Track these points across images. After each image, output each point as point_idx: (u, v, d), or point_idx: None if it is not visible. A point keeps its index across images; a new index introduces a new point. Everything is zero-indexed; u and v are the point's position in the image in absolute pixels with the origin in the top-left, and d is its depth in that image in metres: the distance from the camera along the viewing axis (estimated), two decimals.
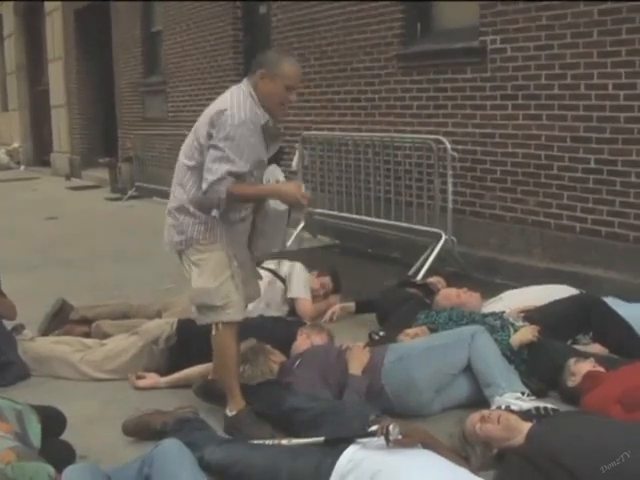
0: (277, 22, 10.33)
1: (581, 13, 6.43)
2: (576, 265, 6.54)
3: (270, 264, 6.24)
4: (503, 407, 3.89)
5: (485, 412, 3.65)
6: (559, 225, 6.78)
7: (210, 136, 3.97)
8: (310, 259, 7.28)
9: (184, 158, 4.15)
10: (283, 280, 6.11)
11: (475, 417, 3.62)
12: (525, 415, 3.73)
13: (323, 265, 6.79)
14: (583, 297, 5.05)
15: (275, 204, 4.17)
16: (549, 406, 3.93)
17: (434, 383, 4.22)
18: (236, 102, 3.98)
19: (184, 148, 4.20)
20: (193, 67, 12.89)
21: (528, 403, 3.96)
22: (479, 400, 4.17)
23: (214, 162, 3.93)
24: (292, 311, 6.09)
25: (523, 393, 4.09)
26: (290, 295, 6.06)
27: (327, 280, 6.29)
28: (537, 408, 3.87)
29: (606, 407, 3.77)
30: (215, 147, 3.94)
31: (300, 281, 6.11)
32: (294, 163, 9.20)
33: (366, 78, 8.73)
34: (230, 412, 4.14)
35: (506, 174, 7.19)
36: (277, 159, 4.46)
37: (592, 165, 6.47)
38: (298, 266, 6.23)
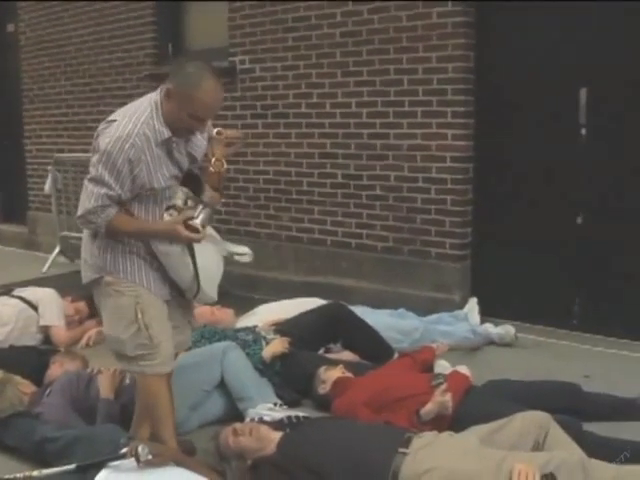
0: (26, 40, 9.95)
1: (324, 35, 6.70)
2: (329, 277, 6.78)
3: (21, 292, 6.01)
4: (256, 419, 3.95)
5: (237, 425, 3.70)
6: (311, 239, 6.99)
7: (94, 146, 3.38)
8: (67, 284, 7.03)
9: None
10: (35, 307, 5.88)
11: (228, 431, 3.66)
12: (277, 424, 3.81)
13: (80, 290, 6.58)
14: (330, 307, 5.21)
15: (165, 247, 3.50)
16: (300, 414, 4.04)
17: (188, 400, 4.20)
18: (131, 112, 3.34)
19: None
20: None
21: (280, 413, 4.04)
22: (235, 415, 4.22)
23: (89, 182, 3.34)
24: (47, 339, 5.87)
25: (275, 404, 4.18)
26: (43, 323, 5.85)
27: (82, 305, 6.13)
28: (289, 417, 3.96)
29: (354, 410, 3.93)
30: (93, 164, 3.32)
31: (53, 308, 5.92)
32: (47, 187, 8.91)
33: (119, 98, 8.56)
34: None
35: (259, 191, 7.32)
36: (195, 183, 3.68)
37: (339, 180, 6.73)
38: (49, 292, 6.04)
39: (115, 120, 3.33)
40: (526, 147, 5.90)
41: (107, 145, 3.25)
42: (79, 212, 3.37)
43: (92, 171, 3.32)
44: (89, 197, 3.32)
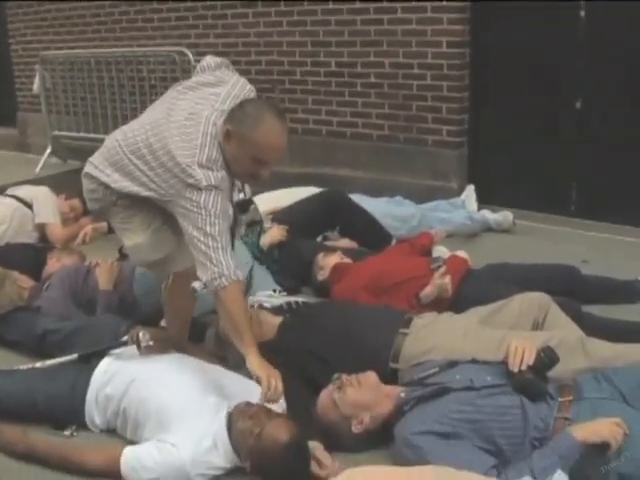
0: None
1: None
2: (324, 167, 6.72)
3: (14, 190, 5.97)
4: (256, 306, 3.95)
5: None
6: (306, 129, 6.91)
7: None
8: (60, 183, 6.98)
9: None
10: (29, 205, 5.84)
11: None
12: (277, 310, 3.82)
13: (74, 189, 6.55)
14: (327, 193, 5.18)
15: None
16: (300, 300, 4.05)
17: None
18: (205, 159, 2.98)
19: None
20: None
21: (280, 299, 4.05)
22: None
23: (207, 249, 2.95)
24: (43, 237, 5.85)
25: (275, 291, 4.18)
26: (38, 220, 5.81)
27: (76, 202, 6.06)
28: (288, 303, 3.97)
29: (354, 295, 3.94)
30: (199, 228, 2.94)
31: (47, 205, 5.87)
32: (35, 86, 8.75)
33: None
34: None
35: (251, 82, 7.07)
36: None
37: (333, 68, 6.61)
38: (43, 190, 5.98)
39: (191, 166, 2.97)
40: (524, 30, 5.76)
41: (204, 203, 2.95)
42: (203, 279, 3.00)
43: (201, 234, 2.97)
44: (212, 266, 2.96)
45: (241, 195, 3.49)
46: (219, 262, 2.93)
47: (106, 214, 3.40)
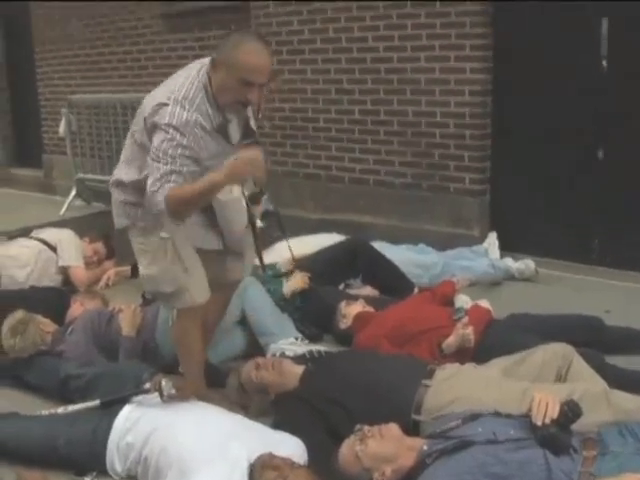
0: None
1: None
2: (347, 214, 6.74)
3: (39, 233, 6.03)
4: (278, 354, 3.96)
5: (259, 360, 3.71)
6: (329, 176, 6.95)
7: (146, 127, 3.21)
8: (84, 226, 7.06)
9: (134, 132, 3.37)
10: (54, 248, 5.89)
11: (250, 366, 3.67)
12: (299, 359, 3.82)
13: (98, 232, 6.60)
14: (350, 242, 5.20)
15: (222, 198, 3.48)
16: (322, 349, 4.05)
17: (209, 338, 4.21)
18: (181, 95, 3.15)
19: (134, 123, 3.40)
20: None
21: (302, 348, 4.06)
22: (256, 350, 4.22)
23: (152, 160, 3.13)
24: (66, 280, 5.90)
25: (297, 338, 4.19)
26: (62, 263, 5.86)
27: (100, 246, 6.14)
28: (310, 352, 3.98)
29: (376, 344, 3.93)
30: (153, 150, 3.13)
31: (71, 248, 5.93)
32: (61, 129, 8.91)
33: (131, 38, 8.50)
34: None
35: (275, 128, 7.25)
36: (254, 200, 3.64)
37: (356, 116, 6.66)
38: (67, 233, 6.05)
39: (166, 104, 3.14)
40: (545, 80, 5.78)
41: (164, 139, 3.11)
42: (150, 187, 3.11)
43: (152, 153, 3.13)
44: (152, 176, 3.12)
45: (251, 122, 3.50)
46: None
47: (129, 235, 3.51)
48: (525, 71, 5.88)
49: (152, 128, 3.17)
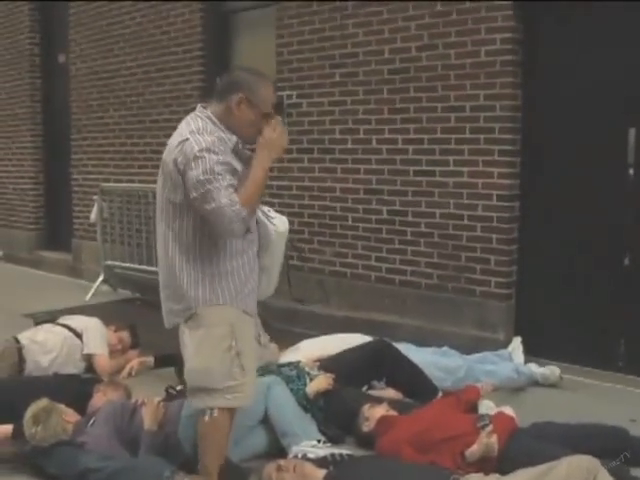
0: (76, 71, 10.14)
1: (372, 72, 6.75)
2: (372, 313, 6.76)
3: (66, 320, 6.07)
4: (300, 455, 3.93)
5: (281, 461, 3.69)
6: (355, 274, 7.00)
7: (178, 169, 3.42)
8: (110, 313, 7.11)
9: (168, 195, 3.58)
10: (79, 335, 5.92)
11: (271, 467, 3.65)
12: (321, 462, 3.79)
13: (122, 319, 6.65)
14: (374, 344, 5.19)
15: (277, 227, 3.87)
16: (344, 452, 4.01)
17: (231, 434, 4.19)
18: (192, 129, 3.45)
19: (161, 186, 3.66)
20: None
21: (324, 450, 4.02)
22: (277, 450, 4.20)
23: (207, 192, 3.35)
24: (90, 367, 5.90)
25: (319, 441, 4.16)
26: (87, 351, 5.88)
27: (125, 335, 6.16)
28: (332, 455, 3.93)
29: (398, 449, 3.90)
30: (193, 181, 3.36)
31: (97, 336, 5.95)
32: (92, 215, 9.03)
33: (165, 130, 8.66)
34: None
35: (303, 225, 7.34)
36: None
37: (385, 216, 6.75)
38: (94, 321, 6.07)
39: (187, 139, 3.42)
40: (573, 186, 5.86)
41: (203, 163, 3.35)
42: (218, 204, 3.34)
43: (199, 185, 3.36)
44: (215, 198, 3.34)
45: None
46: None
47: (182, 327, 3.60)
48: (552, 178, 5.95)
49: (185, 163, 3.39)
